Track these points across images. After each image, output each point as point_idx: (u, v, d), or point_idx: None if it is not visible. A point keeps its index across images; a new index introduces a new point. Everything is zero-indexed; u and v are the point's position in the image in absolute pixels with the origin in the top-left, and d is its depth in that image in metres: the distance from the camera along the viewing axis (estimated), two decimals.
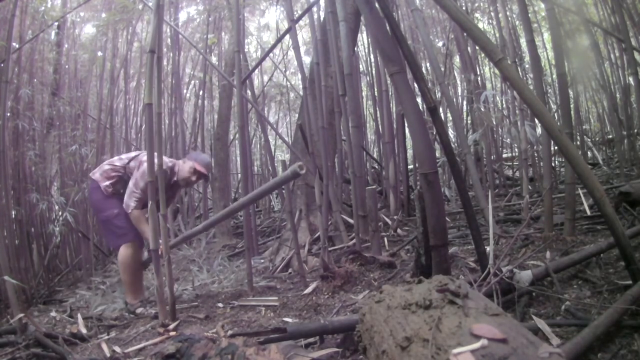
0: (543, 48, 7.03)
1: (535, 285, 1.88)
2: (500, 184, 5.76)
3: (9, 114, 4.07)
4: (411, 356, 0.87)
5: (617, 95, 5.92)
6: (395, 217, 4.12)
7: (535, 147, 4.80)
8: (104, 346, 2.21)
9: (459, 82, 7.12)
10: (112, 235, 3.17)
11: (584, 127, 7.09)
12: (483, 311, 0.94)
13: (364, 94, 7.41)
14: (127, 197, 3.03)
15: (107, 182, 3.14)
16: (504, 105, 6.48)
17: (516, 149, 5.61)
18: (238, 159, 4.49)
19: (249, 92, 5.02)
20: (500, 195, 5.00)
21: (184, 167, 3.18)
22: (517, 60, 4.79)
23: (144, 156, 2.98)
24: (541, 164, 4.42)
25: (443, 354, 0.82)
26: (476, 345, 0.80)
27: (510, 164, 6.94)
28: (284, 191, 3.86)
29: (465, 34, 4.53)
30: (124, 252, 3.06)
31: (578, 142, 5.83)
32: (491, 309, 0.95)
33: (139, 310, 2.91)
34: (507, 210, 4.12)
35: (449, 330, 0.87)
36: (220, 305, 2.76)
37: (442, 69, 4.83)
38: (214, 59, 6.66)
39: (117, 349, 2.15)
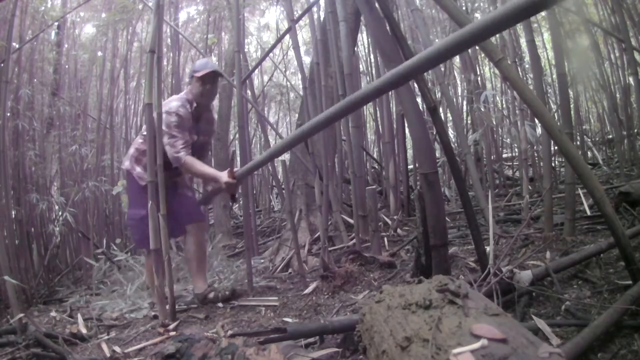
0: (543, 48, 7.03)
1: (535, 285, 1.88)
2: (500, 184, 5.76)
3: (9, 114, 4.07)
4: (411, 356, 0.87)
5: (617, 95, 5.92)
6: (395, 217, 4.12)
7: (535, 147, 4.80)
8: (104, 346, 2.21)
9: (459, 82, 7.11)
10: (137, 235, 2.90)
11: (584, 127, 7.09)
12: (483, 311, 0.94)
13: None
14: (169, 151, 2.64)
15: (139, 168, 2.82)
16: (504, 105, 6.49)
17: (516, 149, 5.61)
18: (238, 159, 4.48)
19: (249, 92, 5.02)
20: (500, 195, 4.99)
21: (192, 88, 2.80)
22: (517, 60, 4.79)
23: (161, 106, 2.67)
24: (541, 164, 4.42)
25: (443, 354, 0.82)
26: (476, 345, 0.80)
27: (510, 164, 6.93)
28: (284, 191, 3.86)
29: None
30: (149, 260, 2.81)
31: (578, 142, 5.83)
32: (491, 309, 0.95)
33: (211, 295, 2.75)
34: (507, 210, 4.12)
35: (449, 330, 0.87)
36: (220, 305, 2.76)
37: (442, 69, 4.82)
38: (214, 59, 6.66)
39: (117, 349, 2.15)
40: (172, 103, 2.73)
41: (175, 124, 2.66)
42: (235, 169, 2.58)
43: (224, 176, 2.57)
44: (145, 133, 2.72)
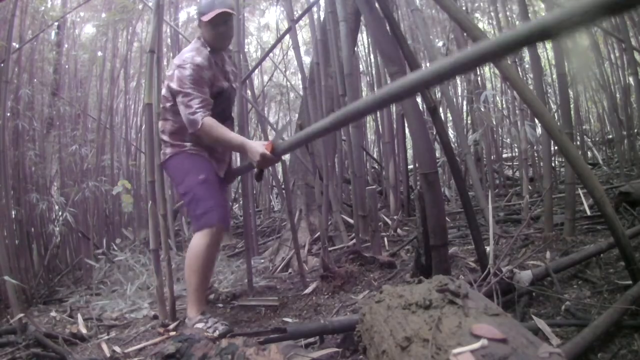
0: (543, 48, 7.02)
1: (535, 285, 1.88)
2: (500, 184, 5.76)
3: (9, 114, 4.07)
4: (411, 356, 0.87)
5: (617, 95, 5.92)
6: (395, 217, 4.12)
7: (535, 147, 4.80)
8: (104, 346, 2.21)
9: (459, 82, 7.11)
10: (192, 214, 2.35)
11: (584, 127, 7.09)
12: (483, 311, 0.94)
13: (364, 94, 7.41)
14: (184, 113, 2.20)
15: (166, 136, 2.38)
16: (504, 105, 6.49)
17: (516, 149, 5.61)
18: (238, 158, 4.49)
19: (248, 92, 5.02)
20: (500, 195, 4.99)
21: (203, 33, 2.35)
22: (517, 60, 4.79)
23: (174, 60, 2.34)
24: (541, 164, 4.42)
25: (443, 354, 0.82)
26: (476, 345, 0.80)
27: (510, 164, 6.93)
28: (284, 191, 3.86)
29: (465, 34, 4.53)
30: (197, 241, 2.25)
31: (578, 142, 5.83)
32: (491, 309, 0.95)
33: (199, 326, 2.19)
34: (507, 210, 4.12)
35: (449, 330, 0.87)
36: (220, 305, 2.76)
37: None
38: None
39: (117, 349, 2.16)
40: (185, 55, 2.28)
41: (190, 78, 2.19)
42: (273, 141, 2.04)
43: (258, 146, 2.02)
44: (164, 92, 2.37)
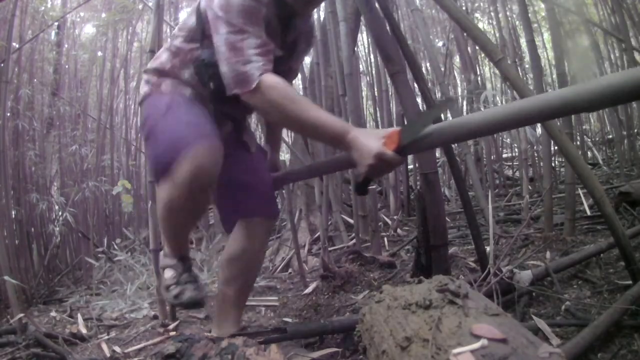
0: (543, 48, 7.03)
1: (535, 285, 1.88)
2: (500, 184, 5.76)
3: (9, 114, 4.07)
4: (411, 356, 0.87)
5: None
6: (395, 217, 4.12)
7: (535, 147, 4.80)
8: (104, 346, 2.21)
9: (459, 82, 7.11)
10: (151, 159, 1.45)
11: (584, 127, 7.09)
12: (483, 311, 0.94)
13: (364, 94, 7.41)
14: (228, 59, 1.26)
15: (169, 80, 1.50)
16: None
17: (516, 149, 5.61)
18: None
19: None
20: (500, 195, 4.99)
21: None
22: (517, 60, 4.80)
23: None
24: (541, 164, 4.42)
25: (443, 354, 0.82)
26: (476, 345, 0.80)
27: (510, 164, 6.94)
28: (284, 191, 3.87)
29: (465, 34, 4.53)
30: (162, 193, 1.31)
31: (578, 142, 5.83)
32: (491, 309, 0.95)
33: (167, 274, 1.50)
34: (507, 210, 4.12)
35: (449, 330, 0.87)
36: None
37: (442, 69, 4.82)
38: None
39: (117, 348, 2.15)
40: None
41: (241, 7, 1.27)
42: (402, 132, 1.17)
43: (372, 141, 1.15)
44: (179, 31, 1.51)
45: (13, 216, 4.17)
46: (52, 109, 5.36)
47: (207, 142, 1.23)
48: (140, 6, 5.01)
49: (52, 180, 5.51)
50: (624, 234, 1.70)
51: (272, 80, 1.24)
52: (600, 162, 6.05)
